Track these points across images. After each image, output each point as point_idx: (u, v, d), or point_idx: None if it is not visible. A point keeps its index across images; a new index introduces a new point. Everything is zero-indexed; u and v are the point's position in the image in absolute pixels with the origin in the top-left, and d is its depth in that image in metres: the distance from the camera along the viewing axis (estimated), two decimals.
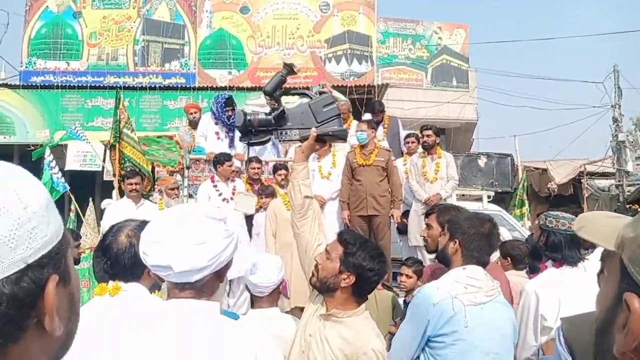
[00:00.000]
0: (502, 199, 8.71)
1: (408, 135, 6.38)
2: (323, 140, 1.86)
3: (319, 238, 1.94)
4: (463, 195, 7.30)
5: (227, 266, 1.24)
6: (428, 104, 12.73)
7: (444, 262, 2.11)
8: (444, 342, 1.85)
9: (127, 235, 1.63)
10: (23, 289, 0.51)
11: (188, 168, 6.53)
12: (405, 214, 5.70)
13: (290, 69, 1.83)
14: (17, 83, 10.30)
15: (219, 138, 6.60)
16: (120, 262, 1.56)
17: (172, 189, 5.53)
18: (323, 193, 5.58)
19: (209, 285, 1.20)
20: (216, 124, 6.63)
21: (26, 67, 10.75)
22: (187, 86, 9.96)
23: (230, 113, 6.63)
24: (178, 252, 1.12)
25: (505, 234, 5.87)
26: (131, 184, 4.96)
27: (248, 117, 1.79)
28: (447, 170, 5.60)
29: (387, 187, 5.50)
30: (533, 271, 3.58)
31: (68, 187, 7.04)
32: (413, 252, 5.36)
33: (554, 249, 2.36)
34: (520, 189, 8.52)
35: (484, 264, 2.01)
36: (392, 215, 5.46)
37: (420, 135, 6.06)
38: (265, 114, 1.84)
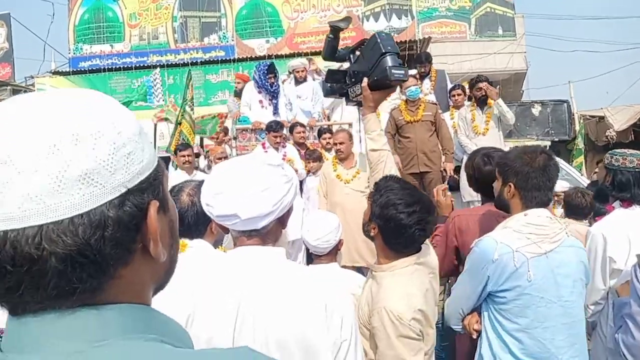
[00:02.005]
0: (558, 150, 8.33)
1: (453, 88, 6.17)
2: (384, 87, 1.67)
3: None
4: (517, 147, 7.03)
5: (289, 212, 1.25)
6: (473, 57, 12.21)
7: (504, 210, 1.95)
8: (505, 297, 1.75)
9: (188, 194, 1.68)
10: (127, 213, 0.52)
11: (235, 138, 6.64)
12: (456, 169, 5.58)
13: (336, 28, 1.71)
14: (67, 70, 10.71)
15: (262, 106, 6.65)
16: (183, 220, 1.61)
17: (220, 158, 5.65)
18: None
19: (273, 232, 1.22)
20: (259, 92, 6.67)
21: (74, 53, 11.15)
22: (227, 59, 10.02)
23: (272, 80, 6.65)
24: (243, 199, 1.13)
25: (564, 185, 5.64)
26: (183, 155, 5.12)
27: (330, 83, 1.69)
28: (499, 112, 5.40)
29: (436, 142, 5.41)
30: (599, 215, 3.43)
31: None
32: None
33: (622, 187, 2.24)
34: (579, 138, 8.11)
35: (546, 203, 1.84)
36: (445, 170, 5.36)
37: (466, 88, 5.86)
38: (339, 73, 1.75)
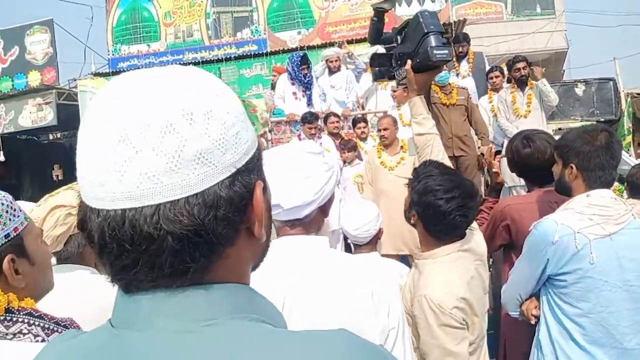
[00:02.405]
0: None
1: (491, 69, 6.00)
2: (428, 68, 1.61)
3: None
4: (560, 129, 6.77)
5: (331, 200, 1.25)
6: (510, 37, 11.83)
7: (566, 194, 1.86)
8: (566, 281, 1.69)
9: None
10: (237, 193, 0.52)
11: (270, 131, 6.70)
12: (497, 154, 5.43)
13: (380, 10, 1.66)
14: (107, 71, 11.06)
15: (296, 98, 6.68)
16: None
17: None
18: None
19: (316, 221, 1.23)
20: (292, 84, 6.70)
21: (113, 54, 11.48)
22: (260, 52, 10.08)
23: (305, 71, 6.65)
24: (285, 189, 1.14)
25: None
26: None
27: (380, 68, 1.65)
28: (541, 94, 5.21)
29: (469, 127, 5.32)
30: None
31: None
32: (507, 194, 5.13)
33: None
34: (626, 117, 7.72)
35: (610, 183, 1.76)
36: (483, 153, 5.24)
37: (503, 69, 5.68)
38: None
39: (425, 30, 1.51)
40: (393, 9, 1.68)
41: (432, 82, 5.40)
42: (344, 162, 5.63)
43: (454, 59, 6.42)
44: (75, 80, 11.14)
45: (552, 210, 1.86)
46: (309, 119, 5.73)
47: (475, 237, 1.67)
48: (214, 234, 0.51)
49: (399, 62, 1.66)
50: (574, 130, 1.90)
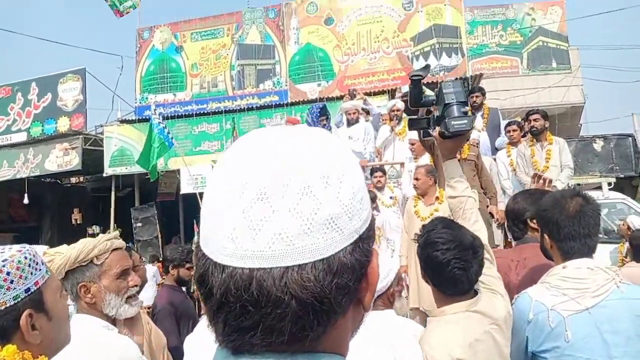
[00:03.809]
0: (622, 187, 7.89)
1: (509, 124, 6.05)
2: (454, 135, 1.61)
3: None
4: (578, 184, 6.73)
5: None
6: (526, 91, 11.98)
7: (550, 259, 1.81)
8: (547, 359, 1.62)
9: None
10: (358, 261, 0.51)
11: None
12: None
13: (415, 78, 1.72)
14: (133, 118, 11.45)
15: None
16: None
17: None
18: None
19: None
20: None
21: (140, 102, 11.95)
22: (281, 103, 10.39)
23: (324, 122, 6.82)
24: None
25: (637, 222, 5.32)
26: None
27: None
28: (561, 156, 5.21)
29: (479, 181, 5.32)
30: None
31: (175, 143, 7.64)
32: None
33: None
34: None
35: (588, 252, 1.67)
36: (491, 213, 5.23)
37: (522, 123, 5.73)
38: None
39: (446, 102, 1.56)
40: (427, 73, 1.72)
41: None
42: None
43: (469, 113, 6.53)
44: (102, 126, 11.55)
45: (509, 268, 1.82)
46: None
47: (494, 301, 1.61)
48: (335, 302, 0.49)
49: (434, 126, 1.72)
50: (551, 195, 1.83)
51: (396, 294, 2.47)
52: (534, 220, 2.12)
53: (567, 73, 12.18)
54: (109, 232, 10.76)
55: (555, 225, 1.68)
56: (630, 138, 7.83)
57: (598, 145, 7.49)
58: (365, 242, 0.53)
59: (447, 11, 10.55)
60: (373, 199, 5.69)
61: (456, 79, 2.05)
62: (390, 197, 5.93)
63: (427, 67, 1.80)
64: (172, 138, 7.60)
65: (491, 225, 5.35)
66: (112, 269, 1.66)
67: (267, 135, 0.54)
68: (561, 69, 12.29)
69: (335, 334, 0.52)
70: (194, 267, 0.55)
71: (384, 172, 6.05)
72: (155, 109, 7.77)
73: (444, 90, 1.58)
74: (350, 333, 0.56)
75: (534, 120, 5.28)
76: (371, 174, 6.10)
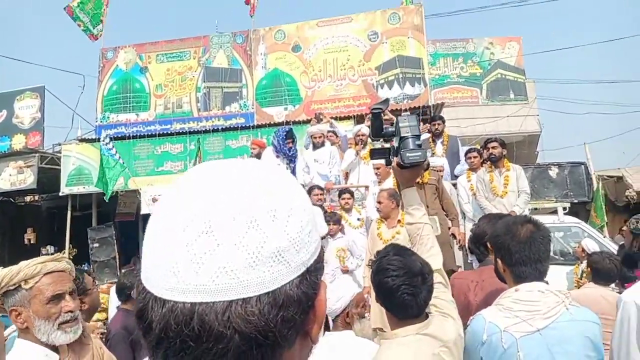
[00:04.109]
0: (576, 211, 8.23)
1: (469, 151, 6.27)
2: (409, 166, 1.69)
3: None
4: (535, 209, 6.97)
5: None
6: (485, 120, 12.44)
7: (504, 282, 1.87)
8: None
9: None
10: (304, 294, 0.50)
11: None
12: None
13: (376, 110, 1.78)
14: (93, 137, 11.16)
15: None
16: None
17: None
18: None
19: None
20: (277, 156, 6.85)
21: (101, 121, 11.66)
22: (247, 125, 10.38)
23: (290, 145, 6.84)
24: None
25: (591, 246, 5.54)
26: None
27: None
28: (518, 182, 5.40)
29: (440, 205, 5.46)
30: (628, 281, 3.34)
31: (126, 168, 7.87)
32: None
33: None
34: (599, 199, 8.04)
35: (539, 276, 1.73)
36: (454, 234, 5.36)
37: (481, 150, 5.93)
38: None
39: (402, 135, 1.64)
40: (386, 107, 1.78)
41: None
42: (328, 234, 5.65)
43: (430, 138, 6.71)
44: (59, 144, 11.18)
45: (468, 289, 1.84)
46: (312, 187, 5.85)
47: (444, 324, 1.64)
48: (279, 337, 0.48)
49: (394, 156, 1.77)
50: (503, 221, 1.90)
51: (355, 316, 2.47)
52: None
53: (524, 104, 12.74)
54: (64, 253, 10.31)
55: (507, 251, 1.74)
56: (582, 166, 8.23)
57: (553, 172, 7.82)
58: (312, 275, 0.52)
59: (410, 43, 10.92)
60: (338, 221, 5.70)
61: (411, 113, 2.14)
62: (358, 219, 5.97)
63: (386, 100, 1.89)
64: (121, 161, 8.05)
65: (452, 247, 5.46)
66: (43, 293, 1.58)
67: (214, 169, 0.53)
68: (518, 99, 12.85)
69: None
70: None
71: (352, 194, 6.10)
72: (105, 136, 8.06)
73: (400, 124, 1.66)
74: None
75: (492, 147, 5.48)
76: (339, 195, 6.14)
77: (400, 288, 1.58)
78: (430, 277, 1.62)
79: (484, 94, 13.09)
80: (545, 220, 6.46)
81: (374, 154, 1.81)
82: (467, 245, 5.69)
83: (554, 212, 6.93)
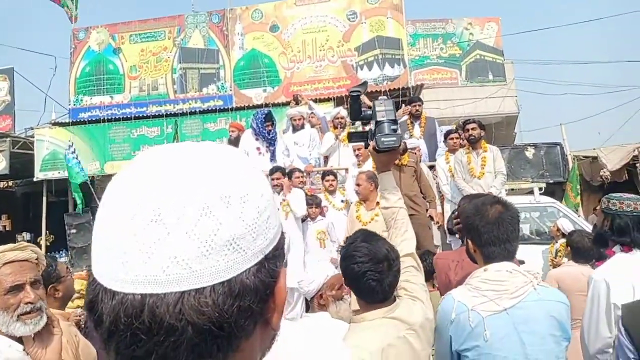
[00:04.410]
0: (552, 191, 8.39)
1: (449, 132, 6.28)
2: (385, 151, 1.70)
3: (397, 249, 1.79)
4: (512, 189, 7.08)
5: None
6: (465, 101, 12.52)
7: (475, 262, 1.89)
8: (467, 357, 1.68)
9: None
10: (262, 282, 0.49)
11: None
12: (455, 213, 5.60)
13: (355, 93, 1.77)
14: (67, 120, 10.87)
15: (260, 153, 6.73)
16: None
17: None
18: None
19: None
20: (256, 139, 6.77)
21: (74, 104, 11.35)
22: (225, 107, 10.23)
23: (269, 128, 6.77)
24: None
25: (566, 225, 5.65)
26: None
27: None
28: (495, 164, 5.45)
29: (418, 187, 5.50)
30: (599, 259, 3.42)
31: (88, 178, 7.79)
32: None
33: (621, 232, 2.23)
34: (573, 178, 8.20)
35: (508, 256, 1.74)
36: (432, 216, 5.41)
37: (462, 131, 5.95)
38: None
39: (377, 119, 1.64)
40: (364, 90, 1.77)
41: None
42: (308, 217, 5.65)
43: (408, 120, 6.72)
44: (32, 129, 10.87)
45: (449, 268, 1.88)
46: (273, 170, 5.77)
47: (412, 307, 1.66)
48: (235, 327, 0.46)
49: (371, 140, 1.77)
50: (473, 202, 1.90)
51: (330, 298, 2.48)
52: None
53: (503, 85, 12.84)
54: (40, 240, 10.10)
55: (477, 231, 1.75)
56: (558, 147, 8.36)
57: (530, 153, 7.93)
58: (271, 262, 0.50)
59: (389, 24, 10.84)
60: (319, 204, 5.70)
61: (388, 97, 2.13)
62: (342, 201, 5.96)
63: (364, 83, 1.89)
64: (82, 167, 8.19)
65: (431, 229, 5.52)
66: (1, 284, 1.54)
67: (164, 153, 0.51)
68: (497, 81, 12.94)
69: (239, 357, 0.49)
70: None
71: (335, 176, 6.07)
72: (69, 146, 8.14)
73: (376, 108, 1.66)
74: (258, 354, 0.54)
75: (472, 129, 5.49)
76: (322, 177, 6.12)
77: (366, 274, 1.61)
78: (397, 262, 1.65)
79: (463, 75, 13.14)
80: (521, 200, 6.58)
81: (352, 137, 1.81)
82: (445, 226, 5.76)
83: (531, 192, 7.05)
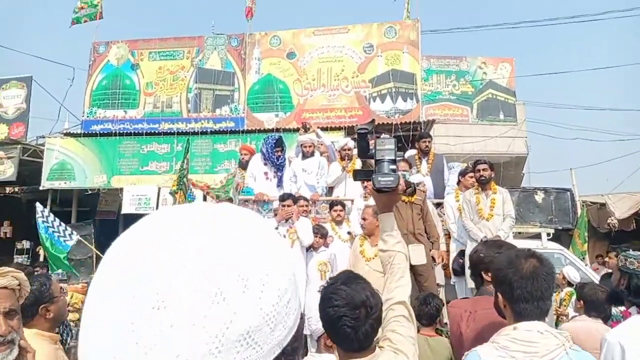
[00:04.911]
0: (559, 236, 8.28)
1: (465, 171, 6.16)
2: (383, 191, 1.65)
3: (388, 295, 1.70)
4: (520, 232, 6.97)
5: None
6: (475, 139, 12.53)
7: (503, 317, 1.79)
8: None
9: None
10: None
11: None
12: (461, 253, 5.49)
13: (362, 130, 1.74)
14: (79, 132, 10.96)
15: (267, 178, 6.70)
16: None
17: None
18: None
19: None
20: (265, 164, 6.75)
21: (87, 116, 11.47)
22: (236, 130, 10.29)
23: (279, 154, 6.76)
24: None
25: (572, 274, 5.54)
26: None
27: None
28: (504, 206, 5.37)
29: (423, 225, 5.42)
30: (614, 320, 3.31)
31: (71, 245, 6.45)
32: (471, 295, 5.13)
33: (638, 293, 2.17)
34: (582, 225, 8.10)
35: (540, 314, 1.64)
36: (434, 257, 5.30)
37: (473, 171, 5.90)
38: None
39: (377, 158, 1.60)
40: (373, 128, 1.74)
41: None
42: (311, 247, 5.56)
43: (417, 156, 6.69)
44: (43, 137, 10.96)
45: (461, 318, 1.84)
46: (285, 197, 5.71)
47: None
48: None
49: None
50: (506, 253, 1.80)
51: None
52: (489, 273, 2.12)
53: (513, 125, 12.86)
54: (39, 249, 10.05)
55: (509, 286, 1.65)
56: (568, 193, 8.29)
57: (539, 197, 7.86)
58: (289, 357, 0.43)
59: (404, 58, 10.96)
60: (325, 235, 5.62)
61: (391, 136, 2.10)
62: (348, 232, 5.88)
63: (372, 121, 1.87)
64: (61, 237, 6.57)
65: (433, 268, 5.42)
66: None
67: (175, 218, 0.43)
68: (508, 120, 12.98)
69: None
70: None
71: (344, 207, 6.01)
72: (42, 211, 6.74)
73: (377, 147, 1.63)
74: None
75: (482, 170, 5.44)
76: (330, 207, 6.05)
77: (342, 319, 1.51)
78: (376, 310, 1.55)
79: (474, 113, 13.19)
80: (528, 244, 6.45)
81: (358, 174, 1.76)
82: (451, 266, 5.65)
83: (537, 237, 6.94)
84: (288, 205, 5.59)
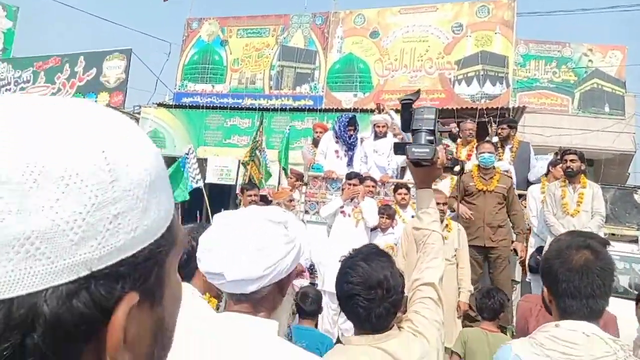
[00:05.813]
0: None
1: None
2: (418, 164, 1.55)
3: (417, 275, 1.57)
4: (613, 234, 6.24)
5: (290, 277, 1.09)
6: (574, 131, 11.46)
7: (550, 314, 1.56)
8: None
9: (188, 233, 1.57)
10: (74, 312, 0.32)
11: (306, 184, 6.64)
12: (539, 250, 5.02)
13: (405, 103, 1.60)
14: (171, 103, 11.62)
15: (337, 156, 6.63)
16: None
17: (290, 200, 5.59)
18: None
19: (268, 299, 1.06)
20: (336, 142, 6.69)
21: (179, 89, 12.12)
22: (314, 108, 10.30)
23: (351, 132, 6.64)
24: (231, 258, 1.00)
25: None
26: (250, 195, 5.18)
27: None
28: (593, 203, 4.81)
29: (505, 217, 5.00)
30: None
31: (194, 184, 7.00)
32: None
33: None
34: None
35: (591, 315, 1.40)
36: (515, 250, 4.89)
37: (560, 161, 5.34)
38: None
39: (414, 127, 1.51)
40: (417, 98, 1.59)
41: (475, 162, 5.23)
42: (378, 227, 5.42)
43: (499, 143, 6.17)
44: (140, 106, 11.77)
45: (530, 313, 1.59)
46: (352, 175, 5.59)
47: (410, 343, 1.40)
48: None
49: None
50: (560, 240, 1.56)
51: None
52: None
53: (620, 119, 11.62)
54: None
55: (555, 278, 1.44)
56: None
57: (639, 197, 6.96)
58: (105, 284, 0.34)
59: (496, 39, 10.20)
60: (392, 215, 5.43)
61: (431, 107, 1.89)
62: (412, 216, 5.66)
63: (418, 91, 1.70)
64: (191, 176, 7.06)
65: (510, 262, 5.05)
66: None
67: None
68: (614, 114, 11.78)
69: None
70: None
71: (409, 190, 5.77)
72: (189, 151, 7.17)
73: (416, 116, 1.52)
74: None
75: (571, 160, 4.89)
76: (394, 190, 5.87)
77: (354, 297, 1.41)
78: (394, 292, 1.41)
79: (576, 104, 12.11)
80: (622, 248, 5.77)
81: (397, 148, 1.60)
82: (527, 262, 5.21)
83: (634, 240, 6.18)
84: (354, 185, 5.46)
